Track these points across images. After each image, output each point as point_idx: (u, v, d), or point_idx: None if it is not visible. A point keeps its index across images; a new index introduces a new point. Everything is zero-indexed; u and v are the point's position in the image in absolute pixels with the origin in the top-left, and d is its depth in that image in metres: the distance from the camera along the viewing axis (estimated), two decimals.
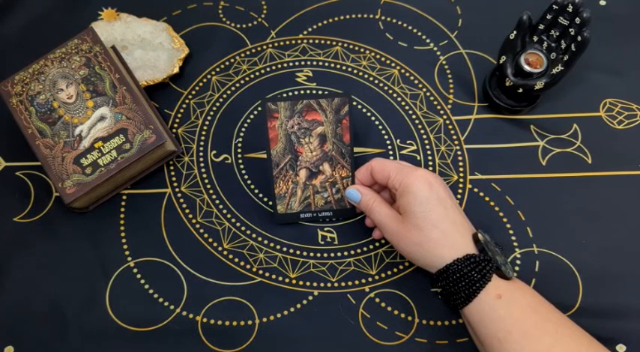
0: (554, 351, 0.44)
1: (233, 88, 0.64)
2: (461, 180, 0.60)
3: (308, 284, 0.55)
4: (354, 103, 0.63)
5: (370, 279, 0.55)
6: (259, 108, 0.63)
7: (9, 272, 0.56)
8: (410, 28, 0.68)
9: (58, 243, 0.57)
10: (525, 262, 0.56)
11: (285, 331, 0.53)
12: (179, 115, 0.63)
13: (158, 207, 0.59)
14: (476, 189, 0.59)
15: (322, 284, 0.55)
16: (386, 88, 0.65)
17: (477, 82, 0.65)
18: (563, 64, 0.57)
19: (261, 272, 0.56)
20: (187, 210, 0.58)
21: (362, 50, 0.66)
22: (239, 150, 0.61)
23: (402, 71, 0.65)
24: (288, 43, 0.67)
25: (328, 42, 0.67)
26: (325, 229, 0.58)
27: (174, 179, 0.60)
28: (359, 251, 0.57)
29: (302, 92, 0.64)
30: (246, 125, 0.63)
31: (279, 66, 0.66)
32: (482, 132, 0.62)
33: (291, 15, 0.68)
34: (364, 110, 0.63)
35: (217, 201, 0.59)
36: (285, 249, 0.57)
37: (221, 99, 0.64)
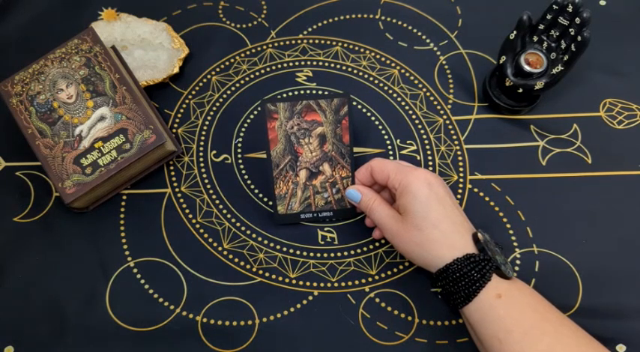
0: (554, 351, 0.44)
1: (233, 88, 0.64)
2: (461, 180, 0.60)
3: (308, 284, 0.55)
4: (354, 103, 0.64)
5: (370, 279, 0.55)
6: (259, 109, 0.63)
7: (9, 272, 0.56)
8: (410, 28, 0.68)
9: (58, 243, 0.57)
10: (525, 262, 0.56)
11: (285, 331, 0.53)
12: (179, 115, 0.63)
13: (158, 207, 0.59)
14: (476, 189, 0.59)
15: (322, 284, 0.55)
16: (386, 88, 0.65)
17: (477, 82, 0.65)
18: (563, 64, 0.57)
19: (261, 272, 0.56)
20: (187, 210, 0.58)
21: (362, 50, 0.67)
22: (239, 150, 0.61)
23: (402, 71, 0.65)
24: (288, 43, 0.67)
25: (328, 42, 0.67)
26: (325, 229, 0.58)
27: (174, 179, 0.60)
28: (359, 251, 0.57)
29: (302, 92, 0.64)
30: (246, 125, 0.63)
31: (279, 66, 0.66)
32: (482, 132, 0.62)
33: (291, 15, 0.68)
34: (364, 110, 0.63)
35: (217, 201, 0.59)
36: (285, 249, 0.57)
37: (221, 99, 0.64)
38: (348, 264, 0.56)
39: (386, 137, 0.62)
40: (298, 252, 0.57)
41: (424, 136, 0.62)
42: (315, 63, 0.66)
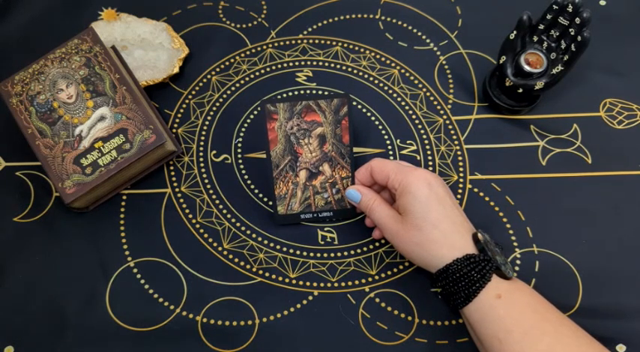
0: (554, 351, 0.44)
1: (233, 88, 0.64)
2: (461, 180, 0.60)
3: (308, 284, 0.55)
4: (354, 103, 0.63)
5: (370, 279, 0.55)
6: (259, 109, 0.63)
7: (9, 272, 0.56)
8: (410, 28, 0.68)
9: (58, 243, 0.57)
10: (525, 262, 0.56)
11: (285, 331, 0.53)
12: (179, 115, 0.63)
13: (158, 207, 0.59)
14: (476, 189, 0.59)
15: (322, 284, 0.55)
16: (386, 88, 0.65)
17: (477, 82, 0.65)
18: (563, 64, 0.57)
19: (261, 272, 0.56)
20: (187, 210, 0.58)
21: (362, 50, 0.66)
22: (239, 150, 0.61)
23: (402, 71, 0.65)
24: (288, 43, 0.67)
25: (328, 42, 0.67)
26: (325, 229, 0.58)
27: (174, 179, 0.60)
28: (359, 251, 0.57)
29: (302, 92, 0.64)
30: (246, 125, 0.63)
31: (279, 66, 0.66)
32: (482, 132, 0.62)
33: (291, 15, 0.68)
34: (364, 110, 0.63)
35: (217, 201, 0.59)
36: (285, 249, 0.57)
37: (221, 99, 0.64)
38: (348, 264, 0.56)
39: (386, 137, 0.62)
40: (298, 252, 0.57)
41: (424, 136, 0.62)
42: (315, 63, 0.66)
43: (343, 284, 0.55)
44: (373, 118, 0.63)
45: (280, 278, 0.55)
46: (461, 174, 0.60)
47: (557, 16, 0.57)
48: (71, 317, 0.54)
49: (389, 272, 0.56)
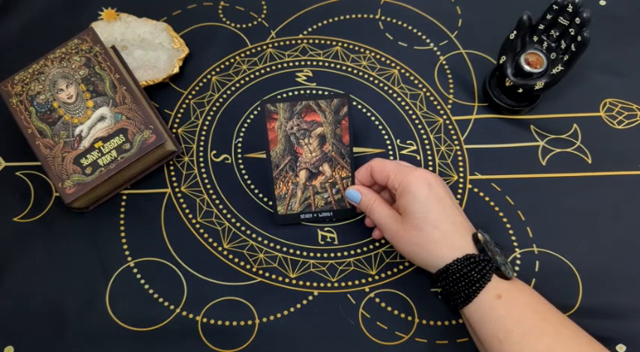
0: (554, 351, 0.44)
1: (233, 88, 0.64)
2: (461, 180, 0.60)
3: (308, 284, 0.55)
4: (354, 103, 0.64)
5: (370, 279, 0.55)
6: (259, 109, 0.63)
7: (9, 272, 0.56)
8: (410, 28, 0.68)
9: (58, 243, 0.57)
10: (525, 262, 0.56)
11: (285, 331, 0.53)
12: (179, 115, 0.63)
13: (158, 207, 0.59)
14: (476, 189, 0.59)
15: (322, 284, 0.55)
16: (386, 88, 0.65)
17: (477, 82, 0.65)
18: (563, 64, 0.57)
19: (261, 272, 0.56)
20: (187, 210, 0.58)
21: (362, 50, 0.66)
22: (239, 150, 0.61)
23: (402, 71, 0.65)
24: (288, 43, 0.67)
25: (328, 42, 0.67)
26: (325, 229, 0.58)
27: (174, 179, 0.60)
28: (359, 251, 0.57)
29: (302, 92, 0.64)
30: (246, 125, 0.63)
31: (279, 66, 0.66)
32: (482, 132, 0.62)
33: (291, 15, 0.68)
34: (364, 110, 0.63)
35: (217, 201, 0.59)
36: (285, 249, 0.57)
37: (221, 99, 0.64)
38: (348, 264, 0.56)
39: (386, 137, 0.62)
40: (298, 252, 0.57)
41: (424, 136, 0.62)
42: (315, 63, 0.66)
43: (343, 284, 0.55)
44: (373, 118, 0.63)
45: (280, 278, 0.55)
46: (461, 174, 0.60)
47: (557, 16, 0.57)
48: (71, 317, 0.54)
49: (389, 272, 0.56)
